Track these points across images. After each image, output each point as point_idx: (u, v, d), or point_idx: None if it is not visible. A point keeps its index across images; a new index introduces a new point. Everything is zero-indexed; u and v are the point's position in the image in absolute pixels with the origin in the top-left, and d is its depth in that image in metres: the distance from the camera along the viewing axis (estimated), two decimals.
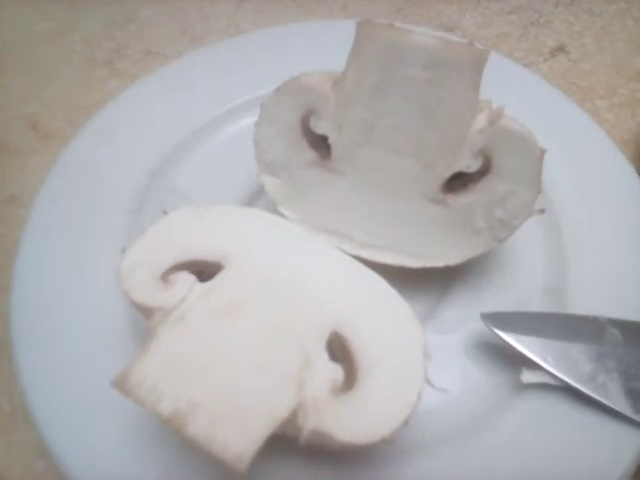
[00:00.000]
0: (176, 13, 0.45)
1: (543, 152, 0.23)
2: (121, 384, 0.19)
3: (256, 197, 0.31)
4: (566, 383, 0.24)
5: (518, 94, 0.33)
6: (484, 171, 0.24)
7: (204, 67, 0.36)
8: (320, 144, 0.26)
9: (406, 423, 0.19)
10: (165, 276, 0.22)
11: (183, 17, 0.45)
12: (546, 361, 0.24)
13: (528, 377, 0.24)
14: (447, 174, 0.25)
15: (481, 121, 0.23)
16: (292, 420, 0.19)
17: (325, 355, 0.20)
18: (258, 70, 0.35)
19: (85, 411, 0.23)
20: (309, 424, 0.19)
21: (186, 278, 0.22)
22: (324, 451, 0.21)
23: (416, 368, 0.20)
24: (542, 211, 0.25)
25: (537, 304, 0.27)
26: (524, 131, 0.23)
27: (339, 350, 0.21)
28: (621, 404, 0.24)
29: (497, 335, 0.24)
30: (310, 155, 0.26)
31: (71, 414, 0.23)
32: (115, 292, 0.22)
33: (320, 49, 0.34)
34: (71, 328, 0.25)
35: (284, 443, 0.20)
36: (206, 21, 0.45)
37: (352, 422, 0.19)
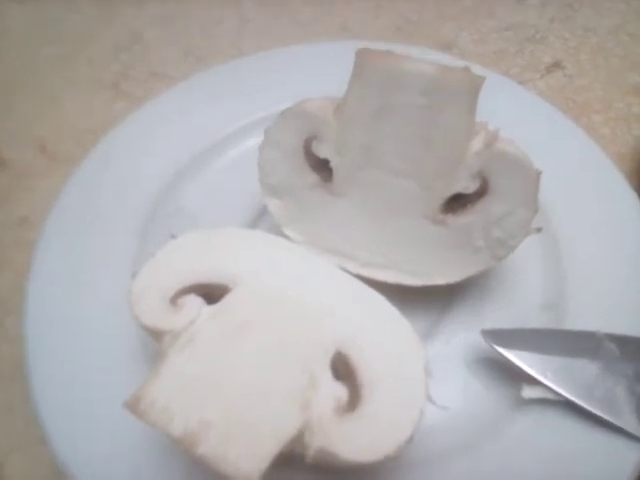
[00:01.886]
0: (180, 35, 0.46)
1: (539, 174, 0.24)
2: (133, 406, 0.20)
3: (260, 218, 0.32)
4: (566, 398, 0.24)
5: (514, 112, 0.34)
6: (482, 192, 0.25)
7: (208, 90, 0.36)
8: (322, 167, 0.27)
9: (410, 440, 0.20)
10: (174, 299, 0.22)
11: (187, 39, 0.46)
12: (546, 376, 0.25)
13: (528, 392, 0.25)
14: (446, 195, 0.25)
15: (478, 144, 0.24)
16: (299, 439, 0.20)
17: (329, 374, 0.21)
18: (261, 91, 0.36)
19: (98, 431, 0.24)
20: (315, 443, 0.20)
21: (194, 301, 0.22)
22: (331, 468, 0.21)
23: (418, 385, 0.21)
24: (539, 230, 0.25)
25: (536, 320, 0.28)
26: (519, 154, 0.24)
27: (343, 369, 0.22)
28: (620, 418, 0.24)
29: (497, 351, 0.25)
30: (312, 178, 0.27)
31: (85, 434, 0.24)
32: (126, 314, 0.23)
33: (321, 70, 0.35)
34: (84, 350, 0.26)
35: (292, 460, 0.20)
36: (209, 42, 0.46)
37: (357, 440, 0.20)
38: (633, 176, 0.36)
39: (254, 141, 0.28)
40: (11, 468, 0.27)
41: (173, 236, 0.25)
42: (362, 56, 0.24)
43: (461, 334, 0.27)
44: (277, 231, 0.28)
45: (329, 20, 0.47)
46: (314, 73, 0.36)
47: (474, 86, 0.23)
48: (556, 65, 0.44)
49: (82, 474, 0.23)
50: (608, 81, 0.43)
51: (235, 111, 0.35)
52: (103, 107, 0.42)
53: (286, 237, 0.27)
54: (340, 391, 0.21)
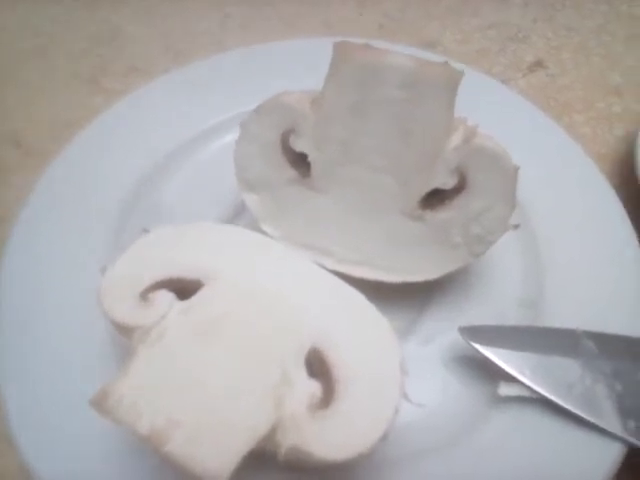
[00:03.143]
0: (160, 29, 0.46)
1: (517, 169, 0.24)
2: (100, 402, 0.19)
3: (239, 213, 0.31)
4: (543, 396, 0.24)
5: (496, 111, 0.34)
6: (460, 188, 0.25)
7: (188, 84, 0.36)
8: (300, 162, 0.26)
9: (384, 438, 0.20)
10: (144, 294, 0.22)
11: (167, 33, 0.45)
12: (523, 374, 0.24)
13: (506, 390, 0.25)
14: (424, 191, 0.25)
15: (456, 139, 0.24)
16: (271, 437, 0.19)
17: (304, 372, 0.21)
18: (241, 87, 0.36)
19: (67, 432, 0.23)
20: (288, 441, 0.19)
21: (165, 296, 0.22)
22: (304, 467, 0.21)
23: (393, 383, 0.21)
24: (517, 226, 0.25)
25: (514, 317, 0.28)
26: (498, 149, 0.24)
27: (318, 365, 0.21)
28: (598, 416, 0.24)
29: (475, 349, 0.25)
30: (290, 173, 0.27)
31: (53, 435, 0.23)
32: (97, 311, 0.22)
33: (302, 67, 0.34)
34: (53, 348, 0.25)
35: (264, 459, 0.20)
36: (190, 37, 0.45)
37: (330, 438, 0.19)
38: (613, 175, 0.37)
39: (233, 136, 0.28)
40: None
41: (145, 230, 0.24)
42: (340, 49, 0.24)
43: (439, 331, 0.27)
44: (255, 226, 0.27)
45: (312, 17, 0.47)
46: (294, 69, 0.35)
47: (453, 80, 0.23)
48: (538, 64, 0.44)
49: (49, 475, 0.23)
50: (590, 81, 0.43)
51: (214, 106, 0.35)
52: (81, 101, 0.41)
53: (263, 232, 0.27)
54: (314, 388, 0.21)
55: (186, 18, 0.46)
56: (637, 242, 0.29)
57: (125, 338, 0.22)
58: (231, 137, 0.30)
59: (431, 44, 0.45)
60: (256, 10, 0.47)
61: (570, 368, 0.25)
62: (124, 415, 0.19)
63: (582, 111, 0.41)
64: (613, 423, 0.24)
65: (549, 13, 0.48)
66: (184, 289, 0.22)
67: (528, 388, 0.24)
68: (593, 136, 0.40)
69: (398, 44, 0.42)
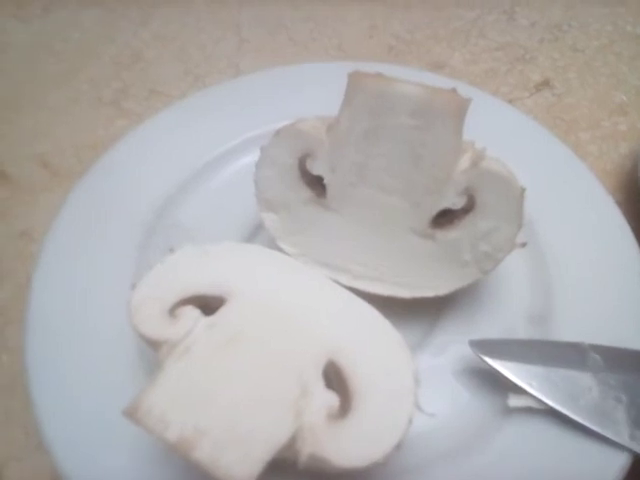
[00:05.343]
0: (179, 54, 0.47)
1: (523, 191, 0.25)
2: (132, 413, 0.20)
3: (256, 232, 0.32)
4: (550, 407, 0.25)
5: (503, 130, 0.35)
6: (468, 208, 0.26)
7: (206, 108, 0.37)
8: (316, 184, 0.28)
9: (398, 447, 0.21)
10: (172, 310, 0.23)
11: (186, 57, 0.47)
12: (531, 386, 0.25)
13: (514, 401, 0.26)
14: (434, 211, 0.26)
15: (464, 162, 0.25)
16: (291, 445, 0.20)
17: (322, 384, 0.22)
18: (257, 110, 0.37)
19: (98, 439, 0.25)
20: (307, 449, 0.20)
21: (191, 312, 0.23)
22: (322, 473, 0.22)
23: (407, 394, 0.22)
24: (524, 245, 0.26)
25: (523, 331, 0.29)
26: (505, 172, 0.25)
27: (335, 378, 0.22)
28: (603, 426, 0.25)
29: (484, 361, 0.26)
30: (307, 194, 0.28)
31: (84, 442, 0.25)
32: (126, 325, 0.23)
33: (315, 90, 0.36)
34: (84, 360, 0.27)
35: (285, 466, 0.21)
36: (208, 61, 0.47)
37: (347, 447, 0.20)
38: (619, 192, 0.38)
39: (250, 158, 0.29)
40: (9, 477, 0.28)
41: (172, 250, 0.25)
42: (354, 78, 0.25)
43: (450, 344, 0.28)
44: (272, 245, 0.29)
45: (325, 40, 0.48)
46: (309, 92, 0.37)
47: (461, 108, 0.24)
48: (545, 84, 0.45)
49: None
50: (595, 100, 0.44)
51: (232, 129, 0.36)
52: (104, 124, 0.43)
53: (281, 250, 0.28)
54: (331, 399, 0.22)
55: (204, 43, 0.48)
56: None
57: (153, 351, 0.23)
58: (248, 159, 0.32)
59: (440, 65, 0.47)
60: (271, 34, 0.49)
61: (577, 380, 0.26)
62: (154, 425, 0.20)
63: (588, 130, 0.42)
64: (620, 433, 0.25)
65: (555, 34, 0.49)
66: (209, 305, 0.24)
67: (536, 399, 0.25)
68: (599, 154, 0.41)
69: (408, 65, 0.44)
